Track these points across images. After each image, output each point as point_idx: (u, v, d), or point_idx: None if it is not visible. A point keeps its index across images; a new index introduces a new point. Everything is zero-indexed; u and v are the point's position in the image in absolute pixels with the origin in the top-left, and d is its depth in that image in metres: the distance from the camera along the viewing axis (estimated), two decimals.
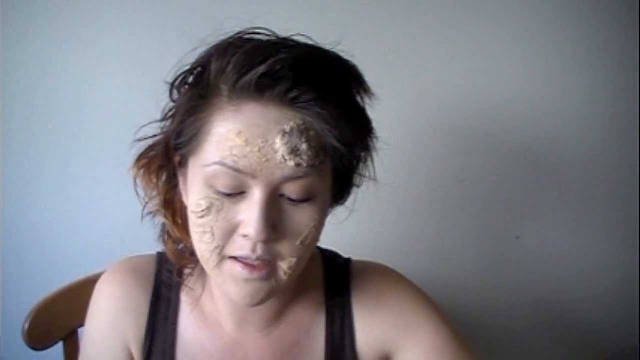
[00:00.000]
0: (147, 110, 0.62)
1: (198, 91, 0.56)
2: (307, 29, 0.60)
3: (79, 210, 1.07)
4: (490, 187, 1.14)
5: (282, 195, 0.55)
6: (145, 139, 0.63)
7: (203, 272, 0.67)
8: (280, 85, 0.52)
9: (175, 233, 0.64)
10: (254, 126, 0.53)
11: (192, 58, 0.59)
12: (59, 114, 1.04)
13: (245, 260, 0.56)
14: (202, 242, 0.57)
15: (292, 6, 1.03)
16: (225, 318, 0.67)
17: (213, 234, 0.55)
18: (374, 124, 0.61)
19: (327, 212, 0.61)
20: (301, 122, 0.53)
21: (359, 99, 0.59)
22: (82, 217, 1.07)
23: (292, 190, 0.54)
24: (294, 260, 0.57)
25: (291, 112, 0.53)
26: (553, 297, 1.19)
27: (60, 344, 0.84)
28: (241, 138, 0.52)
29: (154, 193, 0.64)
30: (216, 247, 0.56)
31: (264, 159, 0.52)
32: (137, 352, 0.68)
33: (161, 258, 0.71)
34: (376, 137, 0.62)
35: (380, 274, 0.72)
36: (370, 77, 0.60)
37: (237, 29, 0.58)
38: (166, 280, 0.69)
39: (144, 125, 0.63)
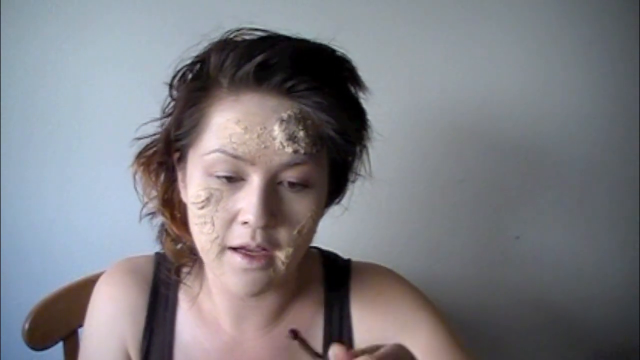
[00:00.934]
0: (147, 110, 0.63)
1: (198, 84, 0.58)
2: (307, 28, 0.60)
3: (79, 210, 1.07)
4: (490, 187, 1.14)
5: (280, 183, 0.56)
6: (145, 137, 0.64)
7: (201, 270, 0.68)
8: (278, 75, 0.54)
9: (174, 231, 0.65)
10: (252, 114, 0.54)
11: (192, 53, 0.60)
12: (59, 114, 1.04)
13: (244, 251, 0.56)
14: (202, 233, 0.58)
15: (292, 6, 1.03)
16: (223, 316, 0.67)
17: (213, 224, 0.56)
18: (373, 123, 0.63)
19: (324, 205, 0.62)
20: (298, 111, 0.55)
21: (353, 90, 0.60)
22: (82, 217, 1.07)
23: (290, 176, 0.56)
24: (291, 250, 0.58)
25: (288, 101, 0.55)
26: (553, 297, 1.19)
27: (60, 344, 0.84)
28: (240, 126, 0.54)
29: (153, 192, 0.65)
30: (216, 238, 0.57)
31: (262, 146, 0.54)
32: (134, 352, 0.68)
33: (159, 258, 0.71)
34: (371, 130, 0.63)
35: (380, 274, 0.72)
36: (369, 76, 0.61)
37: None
38: (164, 279, 0.69)
39: (144, 123, 0.64)
